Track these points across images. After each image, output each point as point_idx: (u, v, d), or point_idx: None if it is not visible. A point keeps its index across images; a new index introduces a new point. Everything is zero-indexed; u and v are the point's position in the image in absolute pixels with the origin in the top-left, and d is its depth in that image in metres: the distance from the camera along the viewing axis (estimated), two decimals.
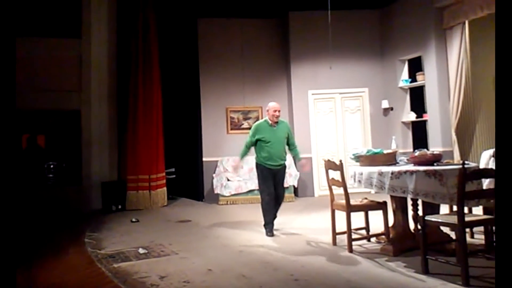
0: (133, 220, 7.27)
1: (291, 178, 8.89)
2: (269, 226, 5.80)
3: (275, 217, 5.92)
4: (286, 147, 6.08)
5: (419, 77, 8.89)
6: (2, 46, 2.34)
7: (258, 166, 5.94)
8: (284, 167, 6.01)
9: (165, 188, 9.05)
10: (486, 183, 4.36)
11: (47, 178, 8.84)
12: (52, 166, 8.91)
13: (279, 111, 5.93)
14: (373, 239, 5.08)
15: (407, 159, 4.74)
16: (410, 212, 4.73)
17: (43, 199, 8.24)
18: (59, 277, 4.29)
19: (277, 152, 5.84)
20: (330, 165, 5.02)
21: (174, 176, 9.80)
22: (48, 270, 4.52)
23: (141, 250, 5.08)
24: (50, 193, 8.44)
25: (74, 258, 5.09)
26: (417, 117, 9.02)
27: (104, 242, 5.71)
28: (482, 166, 4.80)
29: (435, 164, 4.31)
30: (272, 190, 5.85)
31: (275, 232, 5.79)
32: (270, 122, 5.92)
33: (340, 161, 4.91)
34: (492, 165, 4.66)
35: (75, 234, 6.36)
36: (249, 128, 9.74)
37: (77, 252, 5.34)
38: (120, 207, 8.52)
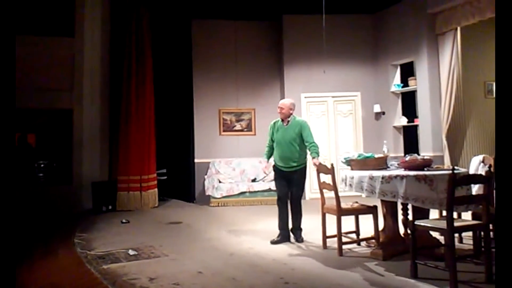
0: (124, 221, 7.23)
1: None
2: (280, 232, 5.47)
3: (298, 228, 5.51)
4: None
5: (411, 82, 8.96)
6: (2, 45, 2.32)
7: (273, 166, 5.65)
8: (300, 170, 5.49)
9: (156, 189, 9.02)
10: (475, 188, 4.40)
11: (37, 177, 8.76)
12: (42, 165, 8.83)
13: (281, 108, 5.56)
14: (363, 243, 5.11)
15: (398, 164, 4.76)
16: (400, 217, 4.76)
17: (33, 198, 8.16)
18: (47, 278, 4.26)
19: (286, 153, 5.44)
20: (322, 168, 5.04)
21: (165, 177, 9.76)
22: (37, 271, 4.49)
23: (131, 252, 5.05)
24: (40, 193, 8.36)
25: (63, 258, 5.06)
26: (408, 122, 9.09)
27: (94, 243, 5.68)
28: (471, 171, 4.85)
29: (425, 169, 4.35)
30: (284, 194, 5.56)
31: (266, 229, 5.78)
32: (281, 120, 5.65)
33: (332, 164, 4.93)
34: (481, 171, 4.71)
35: (65, 234, 6.32)
36: (241, 130, 9.93)
37: (66, 252, 5.31)
38: (110, 207, 8.48)
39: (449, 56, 7.97)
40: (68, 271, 4.53)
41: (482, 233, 4.24)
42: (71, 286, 4.08)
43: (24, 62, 8.35)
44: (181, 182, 9.98)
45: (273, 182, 8.70)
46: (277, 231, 5.50)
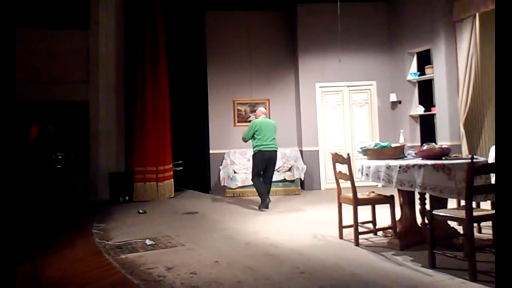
0: (140, 211, 7.31)
1: (297, 171, 8.90)
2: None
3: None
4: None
5: (427, 70, 8.82)
6: (2, 37, 2.31)
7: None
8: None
9: (172, 180, 9.09)
10: (495, 178, 4.32)
11: (55, 169, 8.90)
12: (60, 157, 8.96)
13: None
14: (380, 233, 5.07)
15: (415, 153, 4.71)
16: (418, 206, 4.71)
17: (51, 190, 8.31)
18: (66, 268, 4.33)
19: None
20: (338, 158, 5.00)
21: (181, 168, 9.80)
22: (56, 261, 4.56)
23: (148, 242, 5.11)
24: (58, 184, 8.50)
25: (81, 249, 5.13)
26: (425, 111, 8.97)
27: (111, 233, 5.75)
28: (490, 160, 4.76)
29: (443, 158, 4.28)
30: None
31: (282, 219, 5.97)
32: None
33: (348, 154, 4.89)
34: None
35: (83, 225, 6.41)
36: None
37: (84, 243, 5.38)
38: (127, 198, 8.57)
39: (467, 43, 7.81)
40: (86, 261, 4.59)
41: None
42: (89, 275, 4.13)
43: (39, 56, 8.50)
44: (197, 173, 10.03)
45: (288, 173, 8.87)
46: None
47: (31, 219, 6.90)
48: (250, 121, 9.24)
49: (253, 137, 7.35)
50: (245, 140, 7.56)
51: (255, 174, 7.37)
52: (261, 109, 7.94)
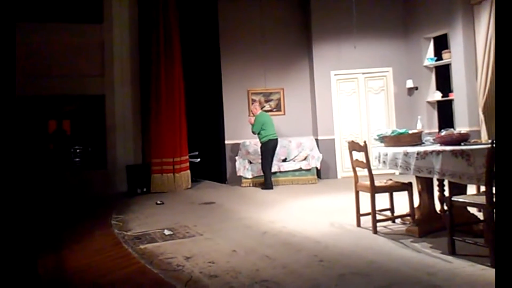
0: (158, 202, 7.37)
1: (313, 160, 8.87)
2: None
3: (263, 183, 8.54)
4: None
5: (445, 55, 8.66)
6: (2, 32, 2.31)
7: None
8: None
9: (188, 171, 9.14)
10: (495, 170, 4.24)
11: (74, 162, 9.03)
12: (78, 151, 9.08)
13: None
14: (398, 221, 5.03)
15: (433, 139, 4.64)
16: (436, 193, 4.65)
17: (70, 182, 8.44)
18: (86, 259, 4.39)
19: None
20: (354, 146, 4.95)
21: (199, 160, 9.82)
22: (76, 252, 4.63)
23: (166, 232, 5.15)
24: (77, 177, 8.63)
25: (101, 240, 5.20)
26: (442, 97, 8.83)
27: (130, 224, 5.82)
28: None
29: (462, 143, 4.21)
30: None
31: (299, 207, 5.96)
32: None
33: (365, 142, 4.85)
34: None
35: (102, 216, 6.50)
36: (271, 110, 9.87)
37: (104, 234, 5.45)
38: (145, 189, 8.67)
39: (485, 26, 7.62)
40: (106, 252, 4.65)
41: None
42: (109, 266, 4.18)
43: (54, 50, 8.58)
44: (213, 163, 10.07)
45: (304, 162, 8.87)
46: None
47: (52, 212, 7.01)
48: (264, 111, 9.31)
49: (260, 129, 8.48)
50: (255, 133, 8.59)
51: (268, 162, 8.43)
52: (255, 104, 9.10)
